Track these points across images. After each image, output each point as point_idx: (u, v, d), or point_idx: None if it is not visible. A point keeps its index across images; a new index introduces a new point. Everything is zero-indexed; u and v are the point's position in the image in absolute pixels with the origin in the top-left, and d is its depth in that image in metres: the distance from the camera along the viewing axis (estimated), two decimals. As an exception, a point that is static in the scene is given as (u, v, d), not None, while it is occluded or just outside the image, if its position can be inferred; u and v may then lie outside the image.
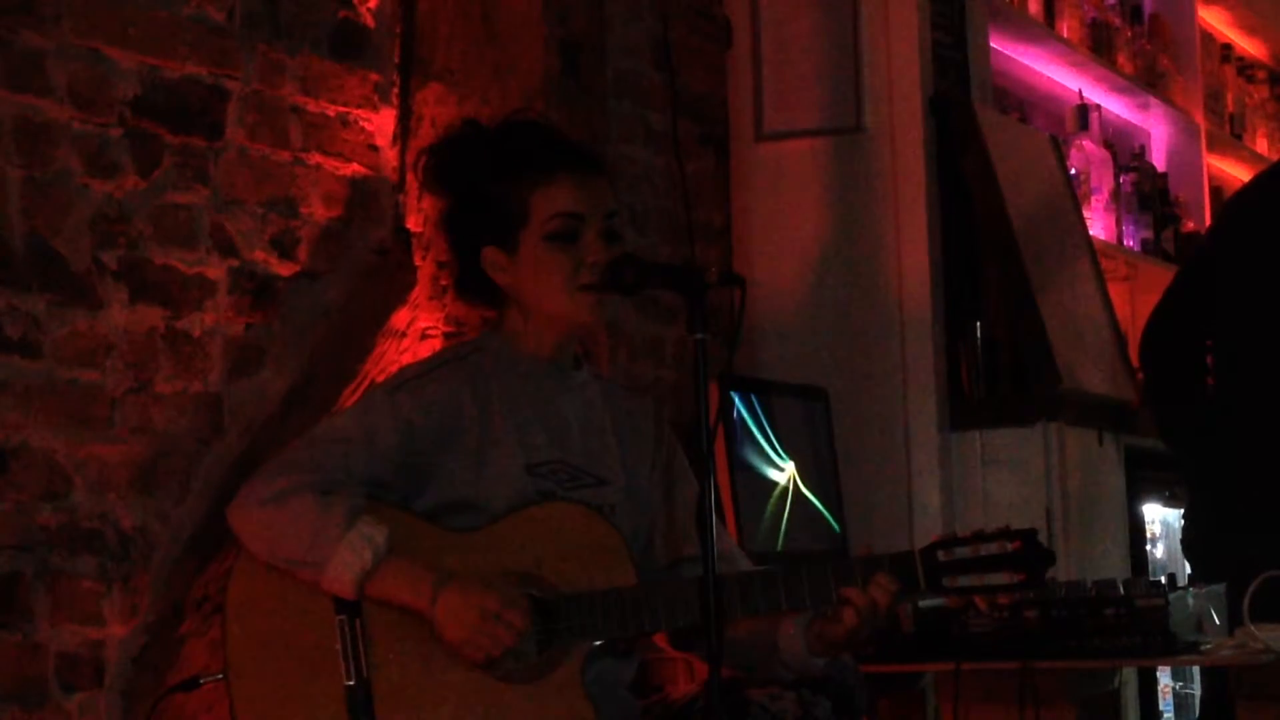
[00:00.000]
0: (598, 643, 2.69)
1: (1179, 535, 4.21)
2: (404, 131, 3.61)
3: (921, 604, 3.53)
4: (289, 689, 2.64)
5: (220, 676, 2.69)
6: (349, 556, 2.60)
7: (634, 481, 2.88)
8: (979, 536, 2.66)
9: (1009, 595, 2.65)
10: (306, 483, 2.64)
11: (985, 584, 2.65)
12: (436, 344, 3.59)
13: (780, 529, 4.06)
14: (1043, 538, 2.68)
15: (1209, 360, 3.97)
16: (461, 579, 2.64)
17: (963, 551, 2.65)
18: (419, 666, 2.65)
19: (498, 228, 2.80)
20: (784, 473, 4.11)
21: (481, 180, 2.83)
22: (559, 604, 2.66)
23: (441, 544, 2.69)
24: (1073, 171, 5.42)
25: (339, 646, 2.65)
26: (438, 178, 2.91)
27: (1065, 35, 5.63)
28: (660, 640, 2.91)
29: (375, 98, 3.55)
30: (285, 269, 3.33)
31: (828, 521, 4.24)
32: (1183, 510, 4.13)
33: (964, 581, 2.65)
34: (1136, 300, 6.09)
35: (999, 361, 4.43)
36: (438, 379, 2.78)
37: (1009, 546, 2.64)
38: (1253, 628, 3.27)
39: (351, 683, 2.63)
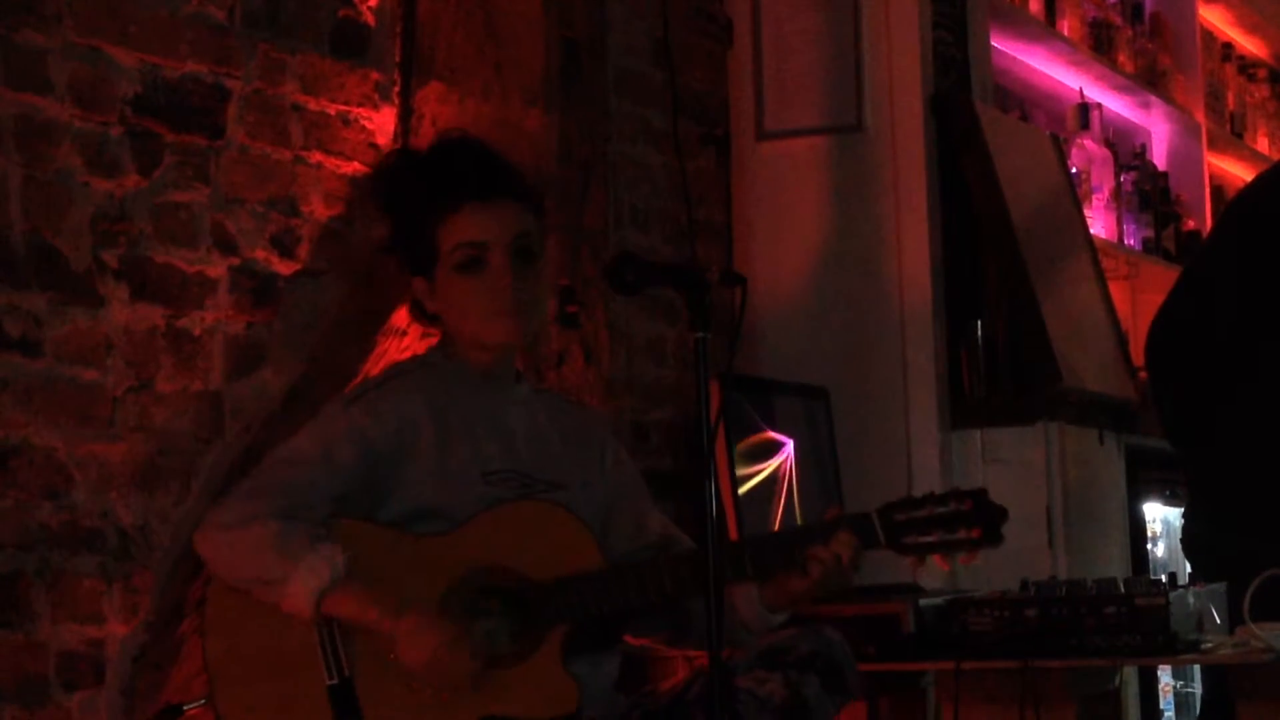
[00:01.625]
0: (573, 625, 2.71)
1: (1179, 534, 4.20)
2: (405, 130, 3.61)
3: (921, 602, 3.54)
4: (273, 696, 2.67)
5: (203, 702, 2.72)
6: (309, 577, 2.65)
7: (587, 487, 2.94)
8: (930, 499, 2.80)
9: (969, 552, 2.78)
10: (269, 508, 2.70)
11: (943, 541, 2.77)
12: (435, 343, 3.59)
13: (780, 528, 4.06)
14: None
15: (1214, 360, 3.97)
16: (418, 607, 2.66)
17: (918, 513, 2.78)
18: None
19: (417, 261, 2.88)
20: (784, 471, 4.10)
21: (400, 214, 2.93)
22: (530, 591, 2.70)
23: (410, 550, 2.73)
24: (1073, 170, 5.42)
25: (319, 647, 2.67)
26: (375, 207, 3.00)
27: (1066, 34, 5.63)
28: (656, 642, 2.94)
29: (376, 96, 3.55)
30: (286, 267, 3.33)
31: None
32: (1182, 509, 4.13)
33: (923, 540, 2.78)
34: (1137, 299, 6.09)
35: (999, 360, 4.43)
36: (391, 391, 2.85)
37: (962, 506, 2.78)
38: (1253, 626, 3.27)
39: (334, 681, 2.66)
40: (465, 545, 2.74)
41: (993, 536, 2.78)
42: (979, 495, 2.80)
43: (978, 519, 2.78)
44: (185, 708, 2.86)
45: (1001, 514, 2.81)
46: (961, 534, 2.77)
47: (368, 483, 2.77)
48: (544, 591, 2.71)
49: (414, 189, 2.92)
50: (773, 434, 4.09)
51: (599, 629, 2.81)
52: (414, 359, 2.99)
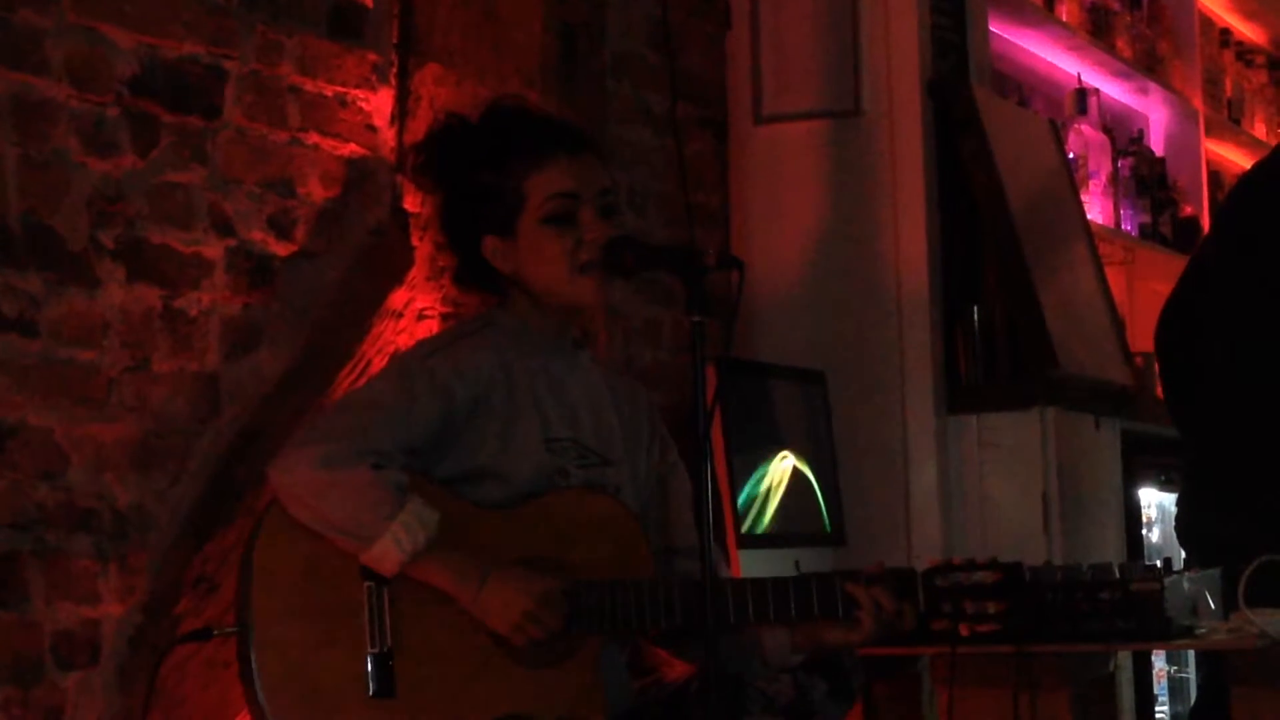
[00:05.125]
0: (611, 635, 2.70)
1: (1174, 520, 4.21)
2: (402, 112, 3.60)
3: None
4: (311, 651, 2.63)
5: (233, 630, 2.67)
6: (402, 535, 2.60)
7: (634, 463, 2.90)
8: (970, 565, 2.73)
9: (990, 624, 2.73)
10: (356, 450, 2.63)
11: (974, 612, 2.72)
12: (434, 325, 3.59)
13: (776, 512, 4.06)
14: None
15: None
16: (504, 569, 2.65)
17: (956, 577, 2.72)
18: (442, 640, 2.66)
19: (495, 216, 2.82)
20: (780, 456, 4.11)
21: (473, 171, 2.84)
22: (579, 592, 2.67)
23: (470, 522, 2.70)
24: (1071, 155, 5.42)
25: (365, 614, 2.64)
26: (428, 173, 2.92)
27: (1064, 19, 5.62)
28: (674, 649, 2.93)
29: (373, 78, 3.54)
30: (283, 249, 3.33)
31: (824, 505, 4.24)
32: (1177, 496, 4.14)
33: (956, 607, 2.72)
34: (1134, 285, 6.09)
35: (996, 345, 4.44)
36: (468, 346, 2.78)
37: (993, 577, 2.72)
38: (1248, 612, 3.27)
39: (375, 651, 2.63)
40: (519, 528, 2.71)
41: (1019, 612, 2.73)
42: (1012, 568, 2.74)
43: (1006, 592, 2.72)
44: (215, 632, 2.83)
45: (1029, 591, 2.77)
46: (990, 606, 2.72)
47: (438, 437, 2.73)
48: (590, 595, 2.67)
49: (495, 139, 2.85)
50: (771, 420, 4.10)
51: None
52: (480, 317, 2.91)
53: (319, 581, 2.65)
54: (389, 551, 2.60)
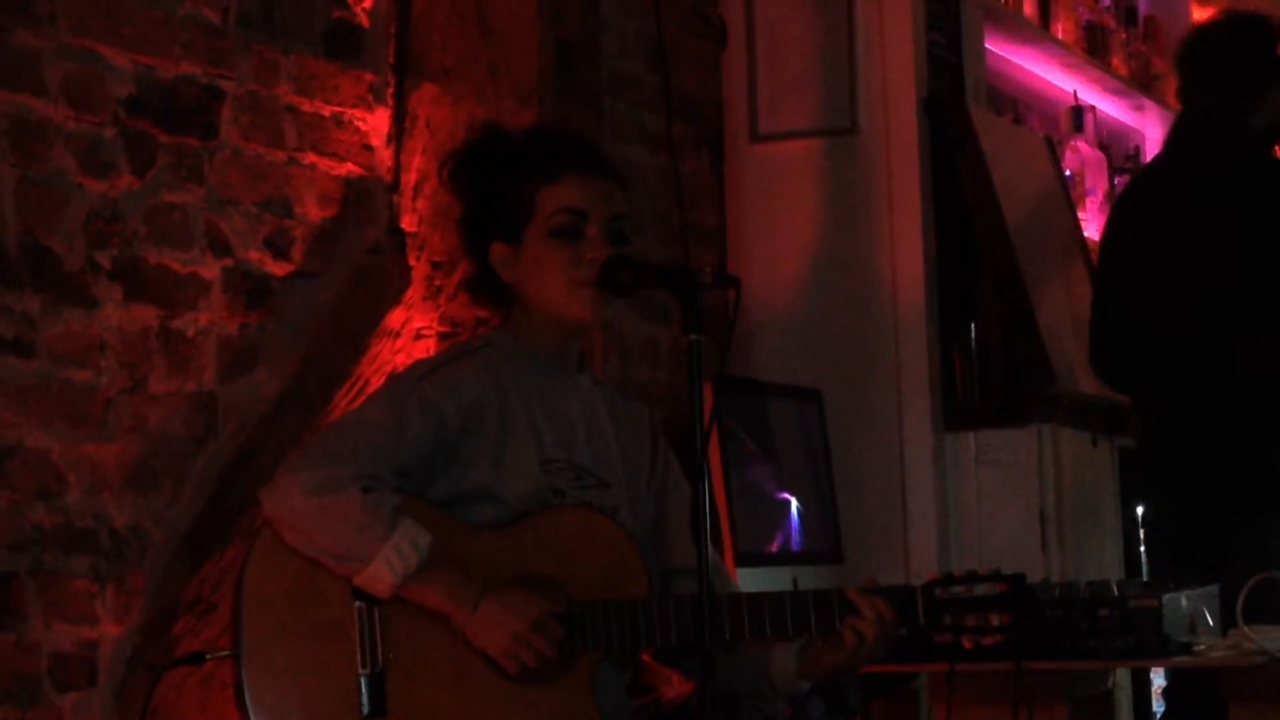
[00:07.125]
0: (606, 654, 2.69)
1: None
2: (399, 132, 3.61)
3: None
4: (303, 673, 2.63)
5: (226, 654, 2.67)
6: (394, 559, 2.60)
7: (633, 486, 2.90)
8: (972, 577, 2.69)
9: (994, 637, 2.69)
10: (349, 475, 2.63)
11: (976, 625, 2.67)
12: (431, 344, 3.59)
13: (774, 531, 4.06)
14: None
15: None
16: (500, 591, 2.64)
17: (957, 590, 2.68)
18: (435, 660, 2.65)
19: (505, 223, 2.83)
20: (778, 474, 4.11)
21: (492, 176, 2.86)
22: (574, 612, 2.67)
23: (464, 542, 2.70)
24: (1067, 173, 5.43)
25: (356, 634, 2.65)
26: (456, 179, 2.94)
27: (1060, 37, 5.64)
28: (645, 655, 2.93)
29: (370, 98, 3.55)
30: (280, 269, 3.33)
31: (821, 523, 4.24)
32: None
33: (957, 621, 2.67)
34: (1131, 302, 6.08)
35: (993, 362, 4.44)
36: (461, 368, 2.79)
37: (997, 589, 2.67)
38: (1246, 629, 3.27)
39: (366, 671, 2.63)
40: (514, 547, 2.70)
41: (1024, 624, 2.68)
42: (1017, 580, 2.70)
43: (1011, 604, 2.67)
44: (208, 656, 2.83)
45: (1036, 603, 2.72)
46: (994, 619, 2.67)
47: (430, 459, 2.72)
48: (585, 615, 2.67)
49: (520, 151, 2.87)
50: (768, 438, 4.10)
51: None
52: (479, 339, 2.91)
53: (310, 603, 2.65)
54: (382, 575, 2.61)
